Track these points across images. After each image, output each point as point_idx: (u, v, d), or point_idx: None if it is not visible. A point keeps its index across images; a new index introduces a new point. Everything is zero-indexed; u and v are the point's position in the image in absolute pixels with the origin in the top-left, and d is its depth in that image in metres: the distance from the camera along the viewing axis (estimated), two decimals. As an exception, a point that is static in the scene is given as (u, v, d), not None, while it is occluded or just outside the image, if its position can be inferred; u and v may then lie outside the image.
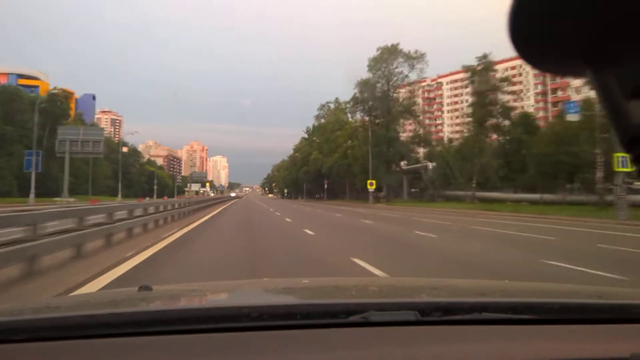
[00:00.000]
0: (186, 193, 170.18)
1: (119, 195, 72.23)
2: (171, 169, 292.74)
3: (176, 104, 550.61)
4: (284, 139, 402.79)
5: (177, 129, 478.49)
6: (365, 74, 61.20)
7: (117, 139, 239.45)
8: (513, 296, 1.75)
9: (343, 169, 69.65)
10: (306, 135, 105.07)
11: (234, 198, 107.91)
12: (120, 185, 74.20)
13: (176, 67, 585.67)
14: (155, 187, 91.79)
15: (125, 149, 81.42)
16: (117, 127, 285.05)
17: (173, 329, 1.15)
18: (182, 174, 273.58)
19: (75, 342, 1.09)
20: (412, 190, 64.42)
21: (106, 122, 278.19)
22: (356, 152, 63.18)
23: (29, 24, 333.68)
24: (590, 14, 0.44)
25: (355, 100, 63.60)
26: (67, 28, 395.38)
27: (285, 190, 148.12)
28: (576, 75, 0.52)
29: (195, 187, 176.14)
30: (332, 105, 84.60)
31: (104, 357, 1.06)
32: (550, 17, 0.45)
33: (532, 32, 0.47)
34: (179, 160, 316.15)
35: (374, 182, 53.25)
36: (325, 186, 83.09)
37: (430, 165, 60.68)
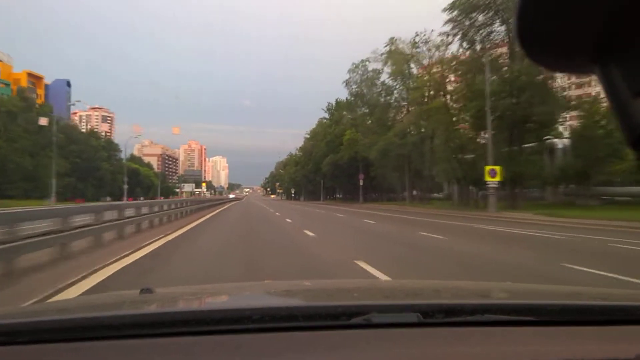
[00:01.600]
0: (180, 194, 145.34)
1: (52, 197, 46.50)
2: (166, 169, 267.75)
3: (174, 104, 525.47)
4: (285, 139, 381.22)
5: (180, 132, 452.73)
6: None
7: (110, 138, 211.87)
8: (515, 298, 1.71)
9: (404, 152, 42.90)
10: (327, 115, 79.03)
11: (232, 200, 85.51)
12: (54, 182, 48.35)
13: (174, 68, 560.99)
14: (125, 186, 66.12)
15: (43, 121, 54.74)
16: (108, 124, 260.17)
17: (175, 331, 1.13)
18: (180, 173, 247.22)
19: (78, 344, 1.07)
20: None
21: (97, 119, 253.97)
22: (443, 116, 35.16)
23: (25, 23, 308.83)
24: (597, 11, 0.43)
25: (463, 15, 31.77)
26: (64, 27, 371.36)
27: (293, 190, 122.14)
28: (583, 73, 0.50)
29: (188, 187, 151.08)
30: (371, 65, 51.41)
31: (107, 359, 1.04)
32: (557, 15, 0.45)
33: (540, 30, 0.46)
34: (174, 159, 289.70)
35: (497, 169, 26.68)
36: (361, 182, 57.16)
37: (560, 143, 34.81)
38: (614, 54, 0.45)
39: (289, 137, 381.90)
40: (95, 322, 1.16)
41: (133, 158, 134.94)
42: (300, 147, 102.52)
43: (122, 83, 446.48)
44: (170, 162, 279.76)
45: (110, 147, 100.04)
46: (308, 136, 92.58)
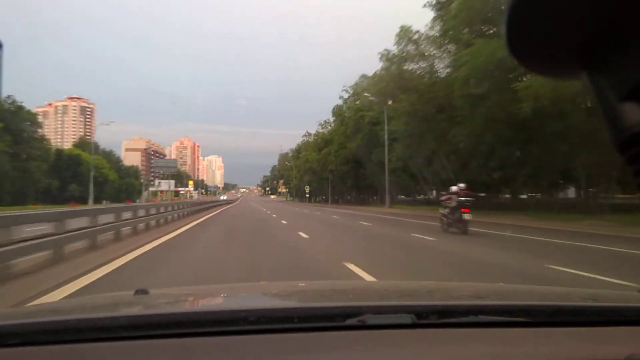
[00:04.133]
0: (159, 195, 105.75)
1: None
2: (152, 166, 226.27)
3: (169, 103, 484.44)
4: (282, 139, 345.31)
5: (169, 128, 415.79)
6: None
7: (88, 132, 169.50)
8: (509, 299, 1.64)
9: None
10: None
11: (223, 203, 56.20)
12: None
13: (169, 68, 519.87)
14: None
15: None
16: (87, 116, 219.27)
17: (170, 333, 1.09)
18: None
19: (72, 346, 1.03)
20: None
21: (74, 109, 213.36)
22: None
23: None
24: (585, 17, 0.42)
25: None
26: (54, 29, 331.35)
27: (307, 189, 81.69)
28: (571, 77, 0.49)
29: (165, 184, 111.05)
30: None
31: None
32: (545, 20, 0.44)
33: (528, 35, 0.45)
34: (162, 155, 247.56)
35: None
36: None
37: None
38: (601, 60, 0.44)
39: (285, 137, 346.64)
40: (89, 324, 1.11)
41: (82, 143, 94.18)
42: (334, 113, 60.72)
43: (115, 83, 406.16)
44: (157, 158, 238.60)
45: (18, 118, 58.96)
46: (349, 91, 51.62)
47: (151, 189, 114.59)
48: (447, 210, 14.25)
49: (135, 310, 1.43)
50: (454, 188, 14.25)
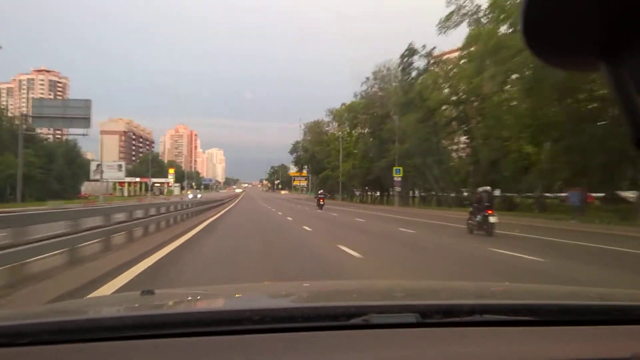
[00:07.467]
0: (118, 189, 58.44)
1: None
2: (133, 153, 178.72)
3: (170, 96, 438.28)
4: (287, 135, 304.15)
5: (170, 122, 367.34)
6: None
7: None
8: (514, 298, 1.66)
9: None
10: None
11: (195, 208, 19.79)
12: None
13: (172, 60, 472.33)
14: None
15: None
16: (59, 91, 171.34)
17: (176, 332, 1.09)
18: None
19: (79, 346, 1.02)
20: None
21: (42, 83, 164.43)
22: None
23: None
24: (605, 8, 0.41)
25: None
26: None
27: (400, 173, 32.56)
28: (589, 69, 0.47)
29: (109, 172, 62.58)
30: None
31: None
32: (563, 12, 0.42)
33: (545, 27, 0.43)
34: (148, 142, 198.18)
35: None
36: None
37: None
38: (621, 52, 0.43)
39: (291, 133, 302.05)
40: (96, 324, 1.12)
41: None
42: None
43: (112, 73, 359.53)
44: (140, 145, 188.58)
45: None
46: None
47: (100, 177, 64.90)
48: (317, 200, 37.68)
49: (142, 311, 1.41)
50: (320, 191, 43.80)
